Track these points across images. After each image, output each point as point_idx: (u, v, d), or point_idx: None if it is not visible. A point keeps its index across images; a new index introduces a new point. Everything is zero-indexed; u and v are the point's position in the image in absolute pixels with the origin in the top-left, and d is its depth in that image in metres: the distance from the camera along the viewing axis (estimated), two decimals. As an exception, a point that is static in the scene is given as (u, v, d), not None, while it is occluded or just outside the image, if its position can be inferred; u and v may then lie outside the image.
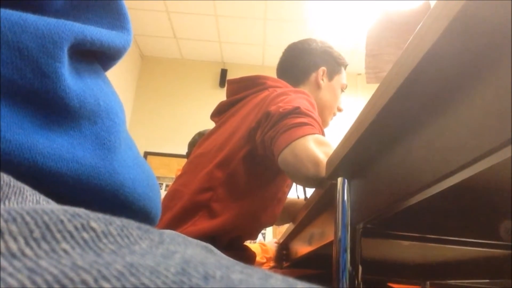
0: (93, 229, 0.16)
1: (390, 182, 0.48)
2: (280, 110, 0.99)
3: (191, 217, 1.04)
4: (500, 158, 0.28)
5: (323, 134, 1.02)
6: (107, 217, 0.17)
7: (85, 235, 0.15)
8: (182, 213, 1.05)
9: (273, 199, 1.17)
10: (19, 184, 0.20)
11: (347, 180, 0.63)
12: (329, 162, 0.66)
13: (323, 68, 1.37)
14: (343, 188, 0.62)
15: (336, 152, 0.62)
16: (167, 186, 3.92)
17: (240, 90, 1.28)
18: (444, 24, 0.29)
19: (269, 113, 1.02)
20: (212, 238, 1.03)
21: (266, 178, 1.14)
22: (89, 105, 0.27)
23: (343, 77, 1.43)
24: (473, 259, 0.81)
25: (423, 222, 0.59)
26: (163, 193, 3.52)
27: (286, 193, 1.25)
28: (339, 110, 1.44)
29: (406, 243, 0.68)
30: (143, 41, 4.17)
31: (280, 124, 0.98)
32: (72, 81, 0.26)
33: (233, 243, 1.12)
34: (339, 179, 0.63)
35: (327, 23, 3.63)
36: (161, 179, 3.96)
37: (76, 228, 0.15)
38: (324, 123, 1.41)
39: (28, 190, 0.20)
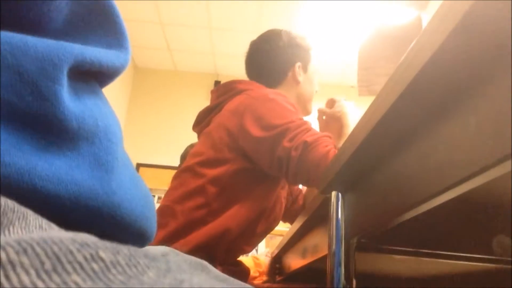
0: (102, 259, 0.16)
1: (384, 197, 0.47)
2: (292, 153, 0.98)
3: (187, 234, 1.04)
4: (495, 175, 0.28)
5: (310, 126, 1.04)
6: (115, 245, 0.17)
7: (94, 266, 0.15)
8: (178, 231, 1.04)
9: (269, 203, 1.17)
10: (22, 208, 0.20)
11: (341, 194, 0.62)
12: (323, 176, 0.65)
13: (298, 63, 1.36)
14: (337, 202, 0.62)
15: (330, 166, 0.61)
16: (159, 198, 3.89)
17: (217, 97, 1.29)
18: (440, 40, 0.30)
19: (281, 160, 1.01)
20: (208, 249, 1.02)
21: (260, 189, 1.14)
22: (88, 126, 0.27)
23: (314, 61, 1.42)
24: (468, 273, 0.81)
25: (418, 237, 0.59)
26: (156, 205, 3.49)
27: (281, 195, 1.25)
28: (316, 92, 1.45)
29: (400, 257, 0.68)
30: (137, 52, 4.17)
31: (305, 168, 0.98)
32: (71, 102, 0.26)
33: (229, 253, 1.11)
34: (333, 193, 0.63)
35: (319, 36, 3.66)
36: (154, 191, 3.93)
37: (85, 258, 0.15)
38: (308, 112, 1.42)
39: (31, 215, 0.20)
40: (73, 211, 0.25)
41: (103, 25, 0.31)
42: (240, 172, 1.10)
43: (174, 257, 0.47)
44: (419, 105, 0.38)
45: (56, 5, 0.27)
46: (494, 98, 0.28)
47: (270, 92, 1.14)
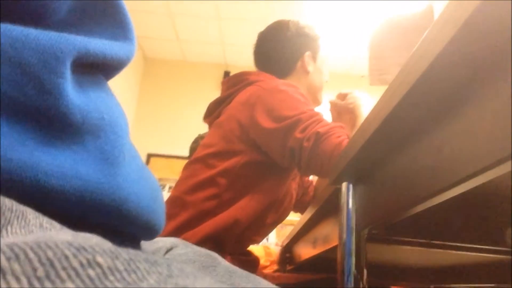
0: (99, 265, 0.15)
1: (395, 189, 0.47)
2: (304, 144, 0.98)
3: (197, 225, 1.04)
4: (508, 169, 0.28)
5: (322, 117, 1.04)
6: (113, 249, 0.16)
7: (91, 272, 0.15)
8: (189, 222, 1.04)
9: (279, 195, 1.17)
10: (21, 207, 0.19)
11: (352, 185, 0.62)
12: (334, 167, 0.65)
13: (307, 53, 1.34)
14: (347, 193, 0.62)
15: (341, 157, 0.61)
16: (170, 187, 3.92)
17: (228, 88, 1.29)
18: (452, 32, 0.29)
19: (293, 150, 1.01)
20: (217, 239, 1.03)
21: (271, 181, 1.14)
22: (93, 119, 0.27)
23: (323, 51, 1.41)
24: (478, 264, 0.81)
25: (428, 228, 0.59)
26: (166, 194, 3.52)
27: (292, 186, 1.26)
28: (326, 82, 1.43)
29: (411, 248, 0.68)
30: (146, 43, 4.17)
31: (318, 159, 0.98)
32: (75, 96, 0.25)
33: (239, 243, 1.12)
34: (344, 184, 0.63)
35: (330, 25, 3.62)
36: (165, 180, 3.96)
37: (81, 264, 0.15)
38: (318, 102, 1.41)
39: (30, 213, 0.20)
40: (78, 206, 0.24)
41: (108, 16, 0.31)
42: (251, 164, 1.10)
43: (183, 249, 0.46)
44: (431, 97, 0.38)
45: None
46: (508, 89, 0.28)
47: (280, 83, 1.14)
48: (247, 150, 1.10)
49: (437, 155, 0.37)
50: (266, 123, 1.05)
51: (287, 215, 1.28)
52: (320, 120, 1.01)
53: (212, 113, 1.31)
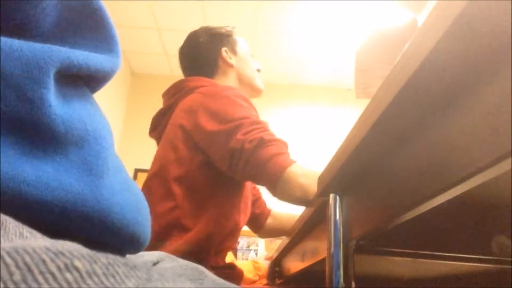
0: (77, 269, 0.15)
1: (382, 198, 0.47)
2: (246, 146, 0.99)
3: (165, 240, 1.03)
4: (493, 174, 0.28)
5: (267, 126, 1.05)
6: (92, 254, 0.16)
7: (68, 276, 0.14)
8: (155, 238, 1.03)
9: (240, 195, 1.17)
10: (1, 217, 0.19)
11: (339, 197, 0.62)
12: (321, 178, 0.65)
13: (224, 48, 1.39)
14: (335, 204, 0.62)
15: (327, 168, 0.61)
16: (158, 203, 3.88)
17: (169, 98, 1.30)
18: (435, 40, 0.30)
19: (234, 151, 1.01)
20: (197, 255, 1.02)
21: (229, 184, 1.14)
22: (76, 130, 0.26)
23: (241, 44, 1.45)
24: (467, 274, 0.81)
25: (416, 238, 0.58)
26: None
27: (248, 187, 1.26)
28: (259, 70, 1.46)
29: (399, 258, 0.67)
30: (134, 58, 4.17)
31: (255, 162, 0.98)
32: (58, 106, 0.25)
33: (219, 254, 1.11)
34: (331, 196, 0.63)
35: (316, 39, 3.66)
36: (152, 196, 3.92)
37: (59, 268, 0.14)
38: (258, 89, 1.43)
39: (10, 222, 0.19)
40: (61, 217, 0.24)
41: (93, 29, 0.31)
42: (202, 168, 1.10)
43: (169, 263, 0.46)
44: (415, 105, 0.38)
45: (44, 7, 0.26)
46: (489, 97, 0.28)
47: (222, 89, 1.16)
48: (194, 155, 1.10)
49: (423, 163, 0.37)
50: (209, 125, 1.06)
51: (249, 212, 1.29)
52: (265, 129, 1.02)
53: (157, 127, 1.32)
